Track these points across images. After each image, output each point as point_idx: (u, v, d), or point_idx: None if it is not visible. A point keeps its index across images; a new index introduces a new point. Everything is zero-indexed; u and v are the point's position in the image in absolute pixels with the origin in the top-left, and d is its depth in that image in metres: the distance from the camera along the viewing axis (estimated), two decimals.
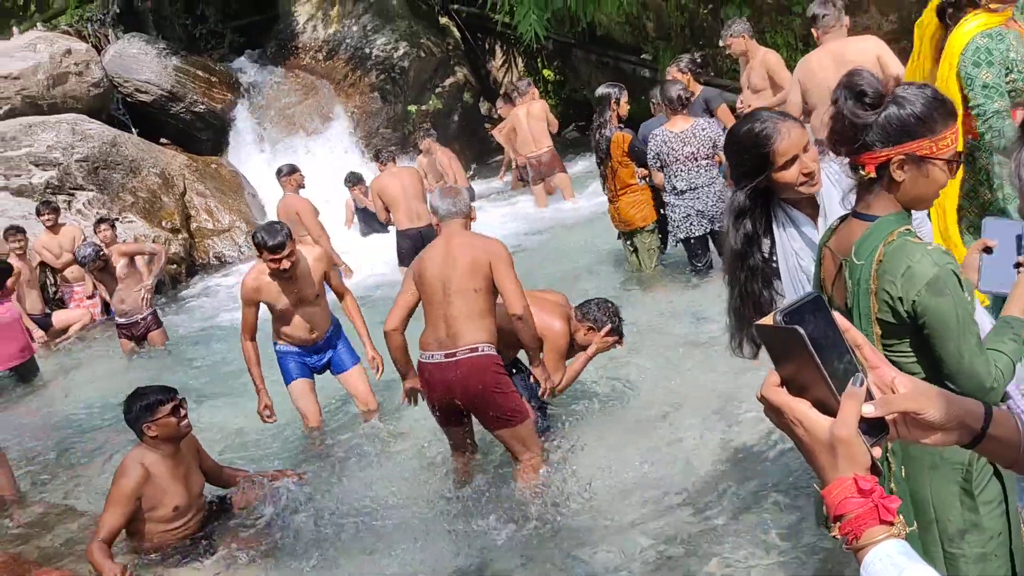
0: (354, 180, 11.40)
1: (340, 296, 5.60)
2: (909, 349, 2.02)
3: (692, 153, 6.35)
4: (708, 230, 6.53)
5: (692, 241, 6.64)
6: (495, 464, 4.63)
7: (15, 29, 14.73)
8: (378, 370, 5.34)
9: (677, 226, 6.61)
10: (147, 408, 4.18)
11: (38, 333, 8.97)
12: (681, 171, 6.41)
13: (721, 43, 7.49)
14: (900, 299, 1.95)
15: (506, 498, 4.23)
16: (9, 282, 7.88)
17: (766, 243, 2.60)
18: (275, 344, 5.49)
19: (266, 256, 5.03)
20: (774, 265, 2.61)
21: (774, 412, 1.10)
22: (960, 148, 2.04)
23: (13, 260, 8.89)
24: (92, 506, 4.98)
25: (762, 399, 1.11)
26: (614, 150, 6.86)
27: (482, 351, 4.17)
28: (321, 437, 5.50)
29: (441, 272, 4.22)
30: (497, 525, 4.04)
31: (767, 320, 1.05)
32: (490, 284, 4.21)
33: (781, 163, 2.52)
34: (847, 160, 2.06)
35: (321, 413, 5.59)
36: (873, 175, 2.01)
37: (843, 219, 2.18)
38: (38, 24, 15.43)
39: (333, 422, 5.72)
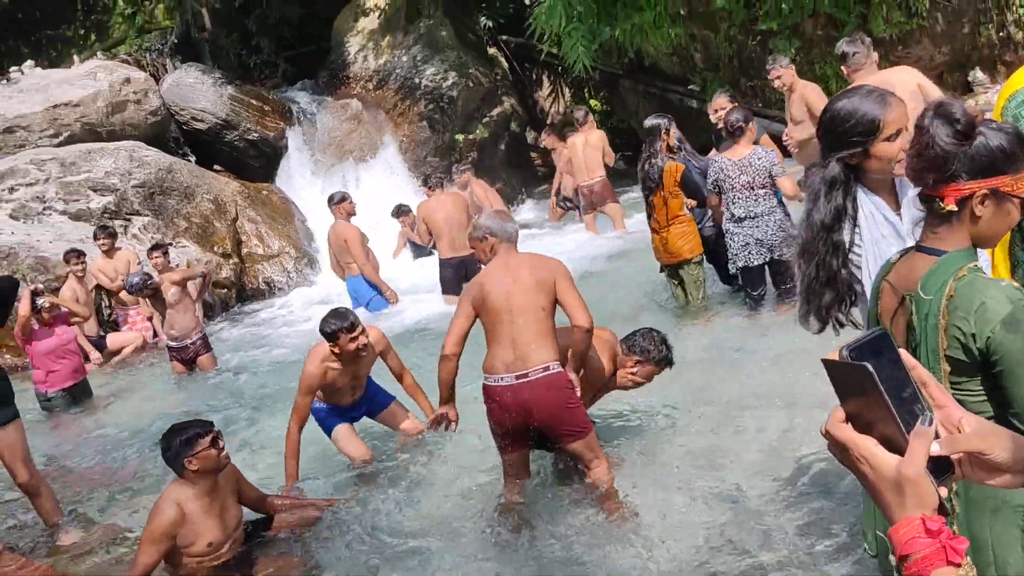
0: (399, 212, 11.56)
1: (400, 377, 5.54)
2: (978, 387, 1.98)
3: (748, 182, 6.30)
4: (767, 259, 6.44)
5: (750, 270, 6.56)
6: (544, 488, 4.61)
7: (76, 58, 15.21)
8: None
9: (736, 254, 6.51)
10: (187, 443, 4.16)
11: (94, 355, 9.16)
12: (739, 199, 6.37)
13: (769, 76, 7.54)
14: (973, 336, 1.92)
15: (556, 524, 4.20)
16: (63, 309, 8.05)
17: (847, 227, 2.51)
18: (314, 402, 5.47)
19: (346, 338, 5.05)
20: (854, 257, 2.53)
21: (839, 448, 1.09)
22: None
23: (72, 282, 9.11)
24: (140, 529, 5.02)
25: (827, 435, 1.10)
26: (667, 179, 6.82)
27: (553, 369, 4.22)
28: (363, 468, 5.49)
29: (507, 294, 4.26)
30: (547, 551, 4.00)
31: (833, 356, 1.05)
32: (553, 301, 4.28)
33: (887, 134, 2.48)
34: (917, 192, 2.03)
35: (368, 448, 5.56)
36: (953, 208, 1.98)
37: (903, 253, 2.15)
38: (98, 53, 15.92)
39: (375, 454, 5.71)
